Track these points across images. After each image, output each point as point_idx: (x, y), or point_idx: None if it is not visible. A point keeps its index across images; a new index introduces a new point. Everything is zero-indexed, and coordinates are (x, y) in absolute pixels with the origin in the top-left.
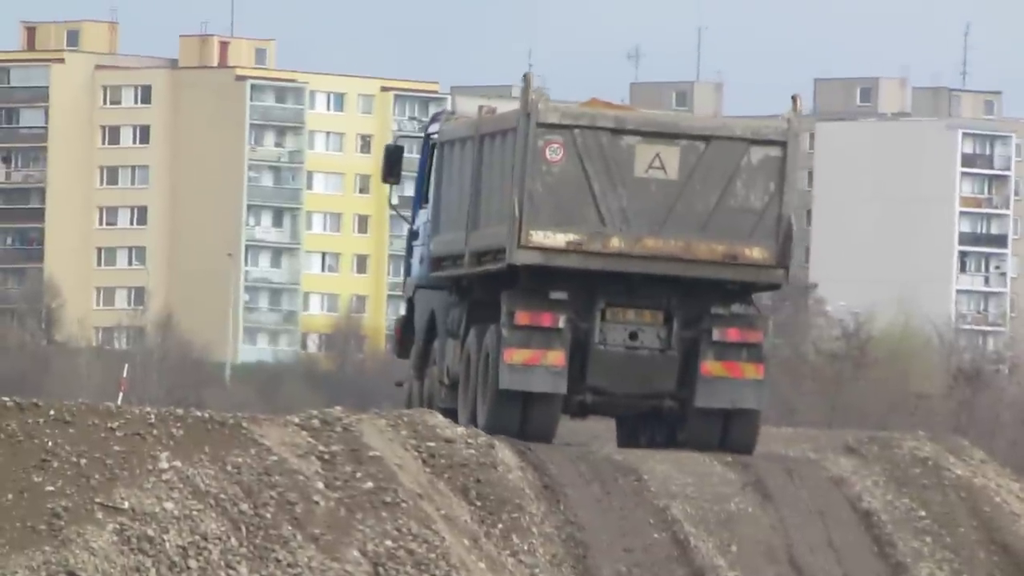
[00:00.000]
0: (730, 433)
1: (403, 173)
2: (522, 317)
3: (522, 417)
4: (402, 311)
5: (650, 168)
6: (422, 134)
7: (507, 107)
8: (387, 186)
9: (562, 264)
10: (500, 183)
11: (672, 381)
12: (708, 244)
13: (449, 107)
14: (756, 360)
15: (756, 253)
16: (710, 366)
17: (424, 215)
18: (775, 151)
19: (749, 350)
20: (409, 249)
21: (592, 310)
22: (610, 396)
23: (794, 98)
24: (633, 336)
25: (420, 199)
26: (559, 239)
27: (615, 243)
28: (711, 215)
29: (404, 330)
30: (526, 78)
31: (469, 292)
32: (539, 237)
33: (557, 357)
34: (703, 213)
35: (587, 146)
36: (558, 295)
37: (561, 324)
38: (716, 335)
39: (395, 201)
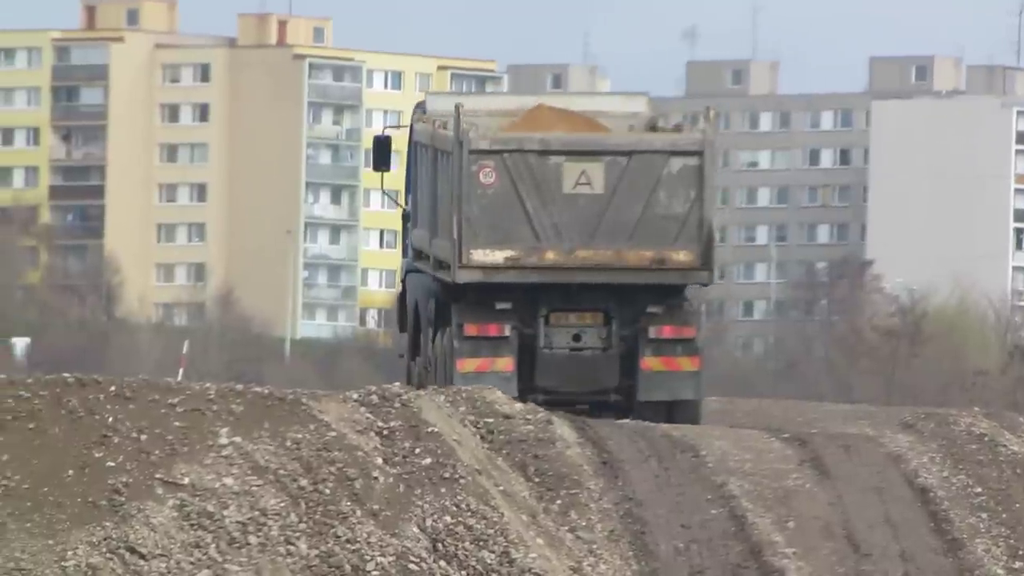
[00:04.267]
0: (673, 420)
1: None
2: (470, 328)
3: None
4: (398, 288)
5: (577, 184)
6: (408, 125)
7: (501, 101)
8: (379, 173)
9: (502, 280)
10: (447, 199)
11: (615, 377)
12: (637, 251)
13: (425, 104)
14: (691, 354)
15: (682, 256)
16: (649, 362)
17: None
18: (693, 161)
19: (684, 345)
20: (404, 230)
21: (536, 317)
22: (559, 395)
23: (708, 109)
24: (576, 338)
25: (410, 184)
26: (498, 256)
27: (550, 256)
28: (637, 224)
29: (401, 307)
30: (457, 108)
31: (436, 290)
32: (479, 256)
33: (506, 363)
34: (630, 222)
35: (517, 168)
36: (503, 306)
37: (507, 332)
38: (652, 333)
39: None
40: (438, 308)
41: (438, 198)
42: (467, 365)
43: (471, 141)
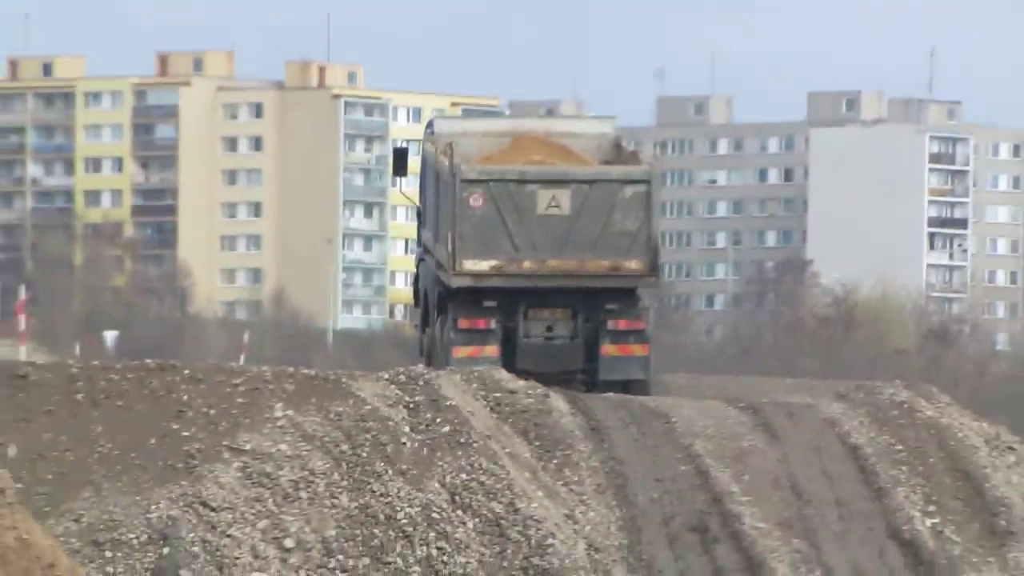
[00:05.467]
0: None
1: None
2: (463, 323)
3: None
4: (413, 269)
5: (549, 207)
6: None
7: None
8: (397, 176)
9: (488, 284)
10: (445, 216)
11: (580, 361)
12: (597, 261)
13: (434, 124)
14: (642, 342)
15: (634, 265)
16: (608, 348)
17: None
18: (642, 188)
19: (636, 335)
20: (419, 224)
21: (516, 313)
22: (535, 375)
23: (655, 145)
24: (549, 330)
25: (422, 188)
26: (484, 265)
27: (527, 265)
28: (597, 239)
29: (415, 286)
30: (450, 146)
31: (438, 283)
32: (469, 264)
33: (492, 350)
34: (591, 238)
35: (500, 194)
36: (489, 304)
37: (493, 325)
38: (610, 325)
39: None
40: (439, 299)
41: (439, 212)
42: (461, 352)
43: (463, 172)
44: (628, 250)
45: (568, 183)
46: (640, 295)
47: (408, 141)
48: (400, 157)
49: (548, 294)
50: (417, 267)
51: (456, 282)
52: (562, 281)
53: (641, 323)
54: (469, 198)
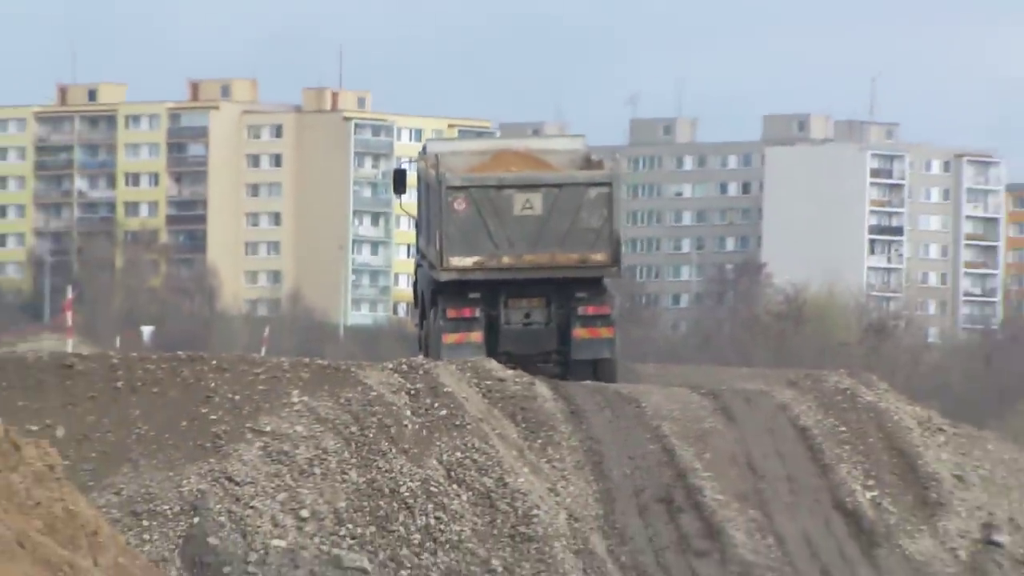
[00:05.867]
0: (598, 373)
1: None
2: (451, 312)
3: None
4: (413, 273)
5: (524, 208)
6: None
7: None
8: (397, 194)
9: (472, 278)
10: (434, 219)
11: (554, 343)
12: (566, 254)
13: (426, 147)
14: (608, 325)
15: (599, 257)
16: (578, 331)
17: None
18: (605, 189)
19: (602, 319)
20: (416, 236)
21: (497, 302)
22: (515, 356)
23: (615, 154)
24: (526, 316)
25: (418, 204)
26: (468, 261)
27: (505, 260)
28: (566, 235)
29: (414, 289)
30: (436, 156)
31: (430, 282)
32: (455, 261)
33: (477, 336)
34: (561, 234)
35: (480, 198)
36: (474, 295)
37: (477, 314)
38: (580, 311)
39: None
40: (431, 295)
41: (429, 217)
42: (450, 338)
43: (447, 180)
44: (594, 244)
45: (540, 187)
46: (606, 284)
47: (410, 160)
48: (399, 177)
49: (525, 285)
50: (415, 272)
51: (444, 276)
52: (537, 273)
53: (607, 308)
54: (454, 202)
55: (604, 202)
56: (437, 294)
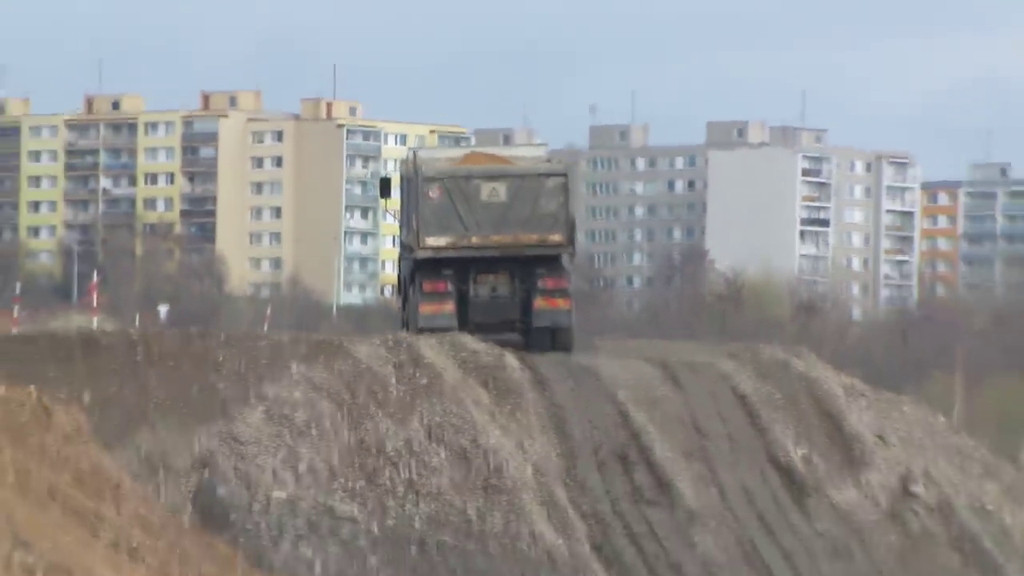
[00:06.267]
0: (556, 341)
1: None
2: (427, 286)
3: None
4: (397, 262)
5: (490, 196)
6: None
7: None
8: (384, 199)
9: (445, 256)
10: (412, 207)
11: (518, 313)
12: (528, 235)
13: (408, 153)
14: (564, 297)
15: (556, 238)
16: (539, 303)
17: None
18: (561, 179)
19: (560, 292)
20: (399, 227)
21: (467, 277)
22: (483, 325)
23: (587, 162)
24: (493, 290)
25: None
26: (442, 241)
27: (474, 240)
28: (527, 219)
29: (398, 275)
30: (413, 152)
31: (410, 264)
32: (430, 241)
33: (450, 307)
34: (523, 218)
35: (452, 187)
36: (447, 271)
37: (450, 288)
38: (540, 285)
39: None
40: (411, 275)
41: (409, 207)
42: (426, 309)
43: (424, 172)
44: (551, 227)
45: (504, 177)
46: (562, 262)
47: (397, 161)
48: (385, 183)
49: (491, 262)
50: (399, 262)
51: (421, 254)
52: (501, 252)
53: (564, 282)
54: (429, 191)
55: (560, 190)
56: (415, 271)
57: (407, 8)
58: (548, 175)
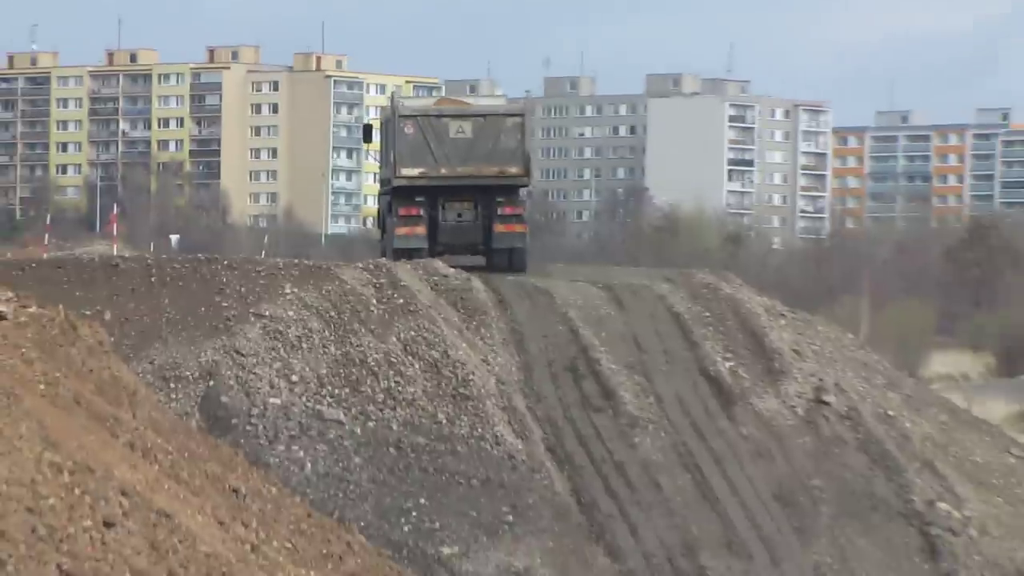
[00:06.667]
0: (512, 261)
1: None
2: (402, 211)
3: (406, 258)
4: (377, 198)
5: (457, 132)
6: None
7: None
8: (366, 143)
9: (417, 184)
10: (390, 143)
11: (480, 237)
12: (489, 167)
13: (390, 98)
14: (520, 223)
15: (514, 170)
16: (498, 227)
17: None
18: (518, 119)
19: (516, 218)
20: (380, 166)
21: (437, 204)
22: (450, 246)
23: (527, 92)
24: (459, 216)
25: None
26: (415, 171)
27: (443, 171)
28: (490, 152)
29: (378, 209)
30: (393, 96)
31: (389, 197)
32: (406, 171)
33: (421, 230)
34: (486, 152)
35: (424, 125)
36: (419, 199)
37: (421, 213)
38: (499, 211)
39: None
40: (388, 206)
41: (387, 143)
42: (401, 231)
43: (400, 110)
44: (510, 160)
45: (469, 117)
46: (520, 192)
47: (378, 107)
48: (367, 130)
49: (457, 191)
50: (379, 197)
51: (397, 183)
52: (466, 181)
53: (520, 209)
54: (404, 127)
55: (518, 129)
56: (392, 199)
57: None
58: (507, 115)
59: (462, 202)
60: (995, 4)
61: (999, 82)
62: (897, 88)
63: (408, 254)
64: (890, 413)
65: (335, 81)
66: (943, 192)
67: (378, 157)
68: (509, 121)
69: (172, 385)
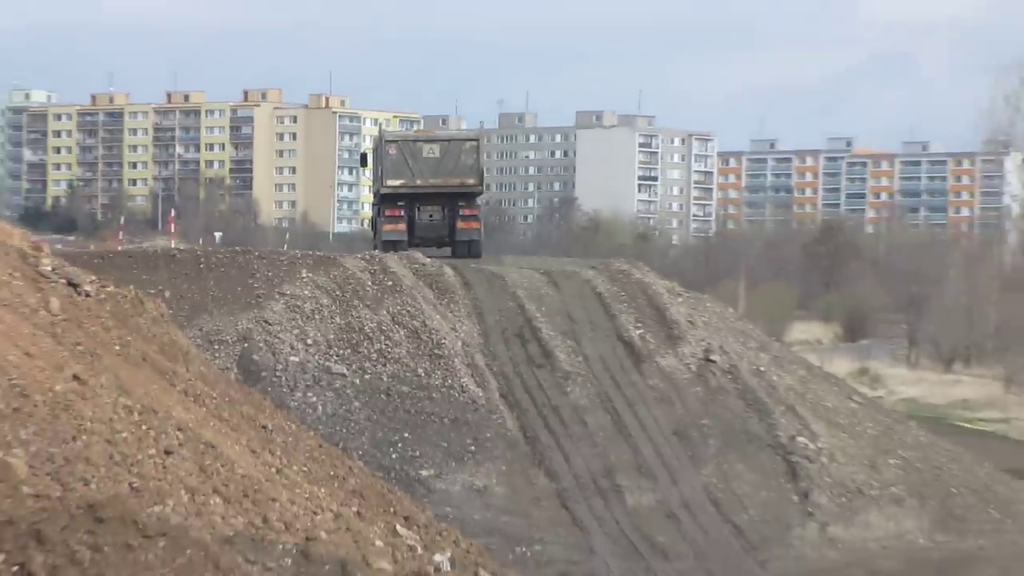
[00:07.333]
0: (471, 250)
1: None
2: (388, 212)
3: (392, 250)
4: (372, 208)
5: (428, 153)
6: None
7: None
8: (363, 167)
9: (399, 192)
10: (378, 162)
11: (447, 232)
12: (453, 179)
13: (378, 130)
14: (477, 221)
15: (471, 182)
16: (460, 224)
17: None
18: (475, 143)
19: (473, 217)
20: (372, 183)
21: (414, 208)
22: (424, 239)
23: (481, 123)
24: (430, 216)
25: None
26: (397, 182)
27: (418, 182)
28: (453, 168)
29: (372, 219)
30: (380, 127)
31: (378, 205)
32: (390, 182)
33: (402, 227)
34: (450, 168)
35: (404, 147)
36: (401, 203)
37: (402, 214)
38: (461, 212)
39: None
40: (378, 211)
41: (376, 164)
42: (387, 228)
43: (385, 136)
44: (468, 174)
45: (437, 141)
46: (476, 198)
47: (371, 136)
48: (363, 157)
49: (429, 197)
50: (372, 210)
51: (383, 191)
52: (436, 190)
53: (477, 211)
54: (389, 150)
55: (475, 150)
56: (380, 204)
57: (384, 28)
58: (466, 140)
59: (433, 206)
60: (844, 58)
61: (844, 116)
62: (767, 121)
63: (393, 246)
64: (761, 369)
65: (339, 116)
66: (801, 201)
67: (371, 175)
68: (467, 144)
69: (216, 347)
